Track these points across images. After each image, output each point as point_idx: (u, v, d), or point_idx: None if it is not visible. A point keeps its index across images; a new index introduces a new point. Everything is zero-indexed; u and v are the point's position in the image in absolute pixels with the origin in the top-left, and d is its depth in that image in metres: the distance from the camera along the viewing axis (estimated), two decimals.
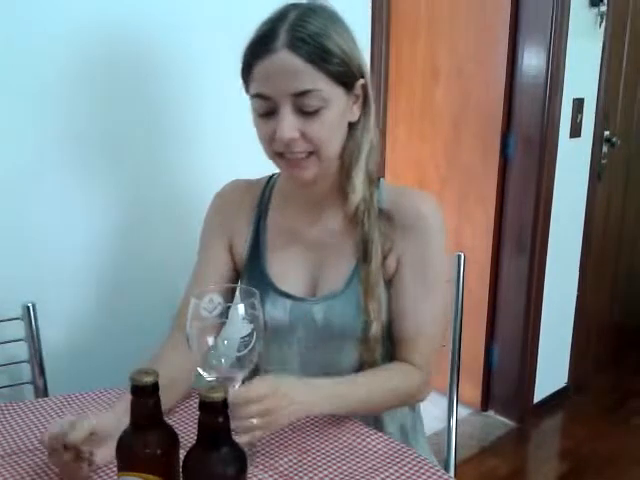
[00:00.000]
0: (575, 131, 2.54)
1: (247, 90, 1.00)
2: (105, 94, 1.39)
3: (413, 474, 0.89)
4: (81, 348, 1.41)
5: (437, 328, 1.10)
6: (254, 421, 0.82)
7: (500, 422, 2.67)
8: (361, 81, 1.01)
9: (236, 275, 1.17)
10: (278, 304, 1.08)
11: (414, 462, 0.92)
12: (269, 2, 1.00)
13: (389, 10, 1.86)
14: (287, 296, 1.09)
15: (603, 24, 2.52)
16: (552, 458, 2.50)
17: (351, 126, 1.03)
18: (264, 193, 1.15)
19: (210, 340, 0.83)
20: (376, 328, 1.04)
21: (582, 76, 2.53)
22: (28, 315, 1.25)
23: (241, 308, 0.83)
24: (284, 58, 0.92)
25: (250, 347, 0.83)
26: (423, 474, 0.89)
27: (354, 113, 1.02)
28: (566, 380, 2.88)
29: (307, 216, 1.10)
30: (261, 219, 1.13)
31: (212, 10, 1.51)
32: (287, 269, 1.10)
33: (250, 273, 1.12)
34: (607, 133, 2.74)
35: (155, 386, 0.69)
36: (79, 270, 1.40)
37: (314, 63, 0.93)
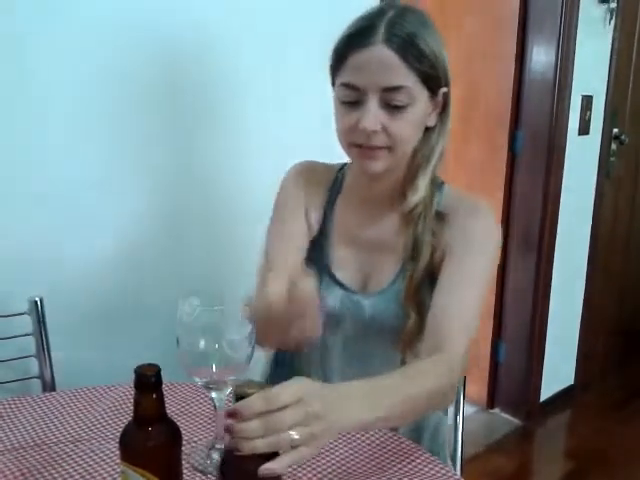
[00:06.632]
0: (584, 128, 2.53)
1: (333, 80, 1.03)
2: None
3: (419, 470, 0.89)
4: (88, 343, 1.41)
5: (468, 319, 0.99)
6: (295, 434, 0.64)
7: (506, 420, 2.66)
8: (444, 89, 1.02)
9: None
10: (331, 291, 1.11)
11: (421, 459, 0.91)
12: None
13: None
14: (340, 285, 1.11)
15: (613, 21, 2.50)
16: (558, 457, 2.50)
17: (426, 130, 1.04)
18: (336, 181, 1.17)
19: (202, 343, 0.81)
20: (414, 326, 1.03)
21: (591, 73, 2.52)
22: (36, 310, 1.26)
23: (242, 307, 0.83)
24: (381, 52, 0.94)
25: (253, 345, 0.83)
26: (429, 471, 0.89)
27: (432, 119, 1.04)
28: (573, 379, 2.88)
29: (366, 216, 1.12)
30: (330, 207, 1.15)
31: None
32: (343, 261, 1.13)
33: (313, 254, 1.14)
34: (616, 131, 2.73)
35: (158, 380, 0.69)
36: (87, 265, 1.41)
37: (408, 61, 0.94)
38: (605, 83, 2.61)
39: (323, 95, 1.70)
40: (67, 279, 1.38)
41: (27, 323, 1.26)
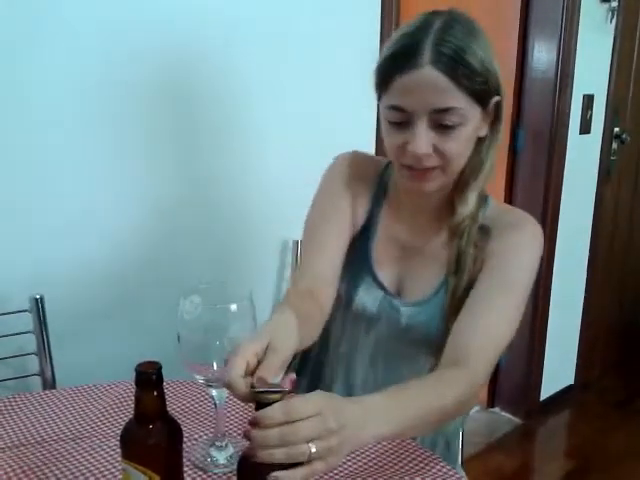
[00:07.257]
0: (585, 127, 2.53)
1: (379, 98, 0.99)
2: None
3: (420, 469, 0.89)
4: (89, 341, 1.41)
5: (494, 335, 0.98)
6: (312, 447, 0.63)
7: (506, 419, 2.66)
8: (496, 98, 0.98)
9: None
10: (371, 291, 1.09)
11: (420, 458, 0.91)
12: None
13: (398, 6, 1.85)
14: (380, 287, 1.09)
15: (614, 20, 2.50)
16: (558, 455, 2.50)
17: (478, 140, 1.01)
18: (381, 182, 1.14)
19: (203, 341, 0.81)
20: None
21: (592, 72, 2.51)
22: (36, 307, 1.26)
23: (247, 306, 0.83)
24: (429, 74, 0.90)
25: None
26: (430, 470, 0.89)
27: (484, 129, 1.00)
28: (573, 378, 2.88)
29: (413, 225, 1.10)
30: (375, 205, 1.13)
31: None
32: (384, 262, 1.11)
33: (356, 249, 1.11)
34: (617, 130, 2.72)
35: (159, 377, 0.69)
36: (88, 264, 1.41)
37: (457, 81, 0.90)
38: (606, 82, 2.61)
39: (324, 94, 1.71)
40: (68, 277, 1.38)
41: (28, 321, 1.26)
